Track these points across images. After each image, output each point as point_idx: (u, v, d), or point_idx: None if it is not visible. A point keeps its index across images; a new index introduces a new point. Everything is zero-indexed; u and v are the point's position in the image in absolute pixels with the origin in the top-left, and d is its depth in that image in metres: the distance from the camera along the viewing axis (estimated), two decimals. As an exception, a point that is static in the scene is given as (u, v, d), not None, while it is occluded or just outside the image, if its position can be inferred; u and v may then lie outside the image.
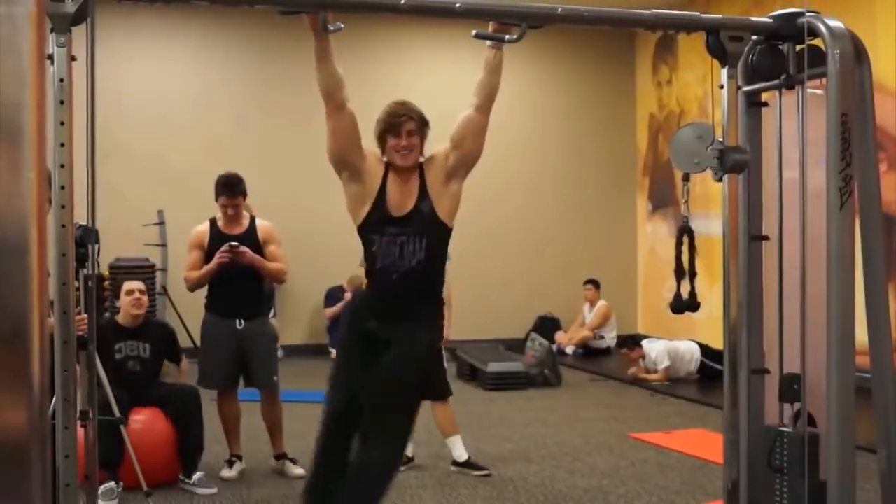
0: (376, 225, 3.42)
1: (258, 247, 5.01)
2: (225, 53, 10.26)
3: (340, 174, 3.48)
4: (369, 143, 3.52)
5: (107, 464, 4.35)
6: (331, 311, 9.68)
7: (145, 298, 5.07)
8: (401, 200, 3.45)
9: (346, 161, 3.43)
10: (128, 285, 5.06)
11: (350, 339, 3.59)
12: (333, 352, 9.86)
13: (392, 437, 3.46)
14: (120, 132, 9.14)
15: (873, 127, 2.99)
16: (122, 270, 8.31)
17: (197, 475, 4.81)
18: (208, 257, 4.97)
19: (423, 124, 3.51)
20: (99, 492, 4.05)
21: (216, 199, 5.02)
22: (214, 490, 4.76)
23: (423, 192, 3.44)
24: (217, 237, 5.00)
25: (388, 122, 3.47)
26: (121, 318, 5.05)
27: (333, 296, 10.04)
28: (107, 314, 5.34)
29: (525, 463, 5.40)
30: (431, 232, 3.45)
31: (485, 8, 3.04)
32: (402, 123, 3.45)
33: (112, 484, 4.52)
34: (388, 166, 3.48)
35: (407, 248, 3.40)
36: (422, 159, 3.52)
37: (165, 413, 4.87)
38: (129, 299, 4.99)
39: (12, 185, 1.13)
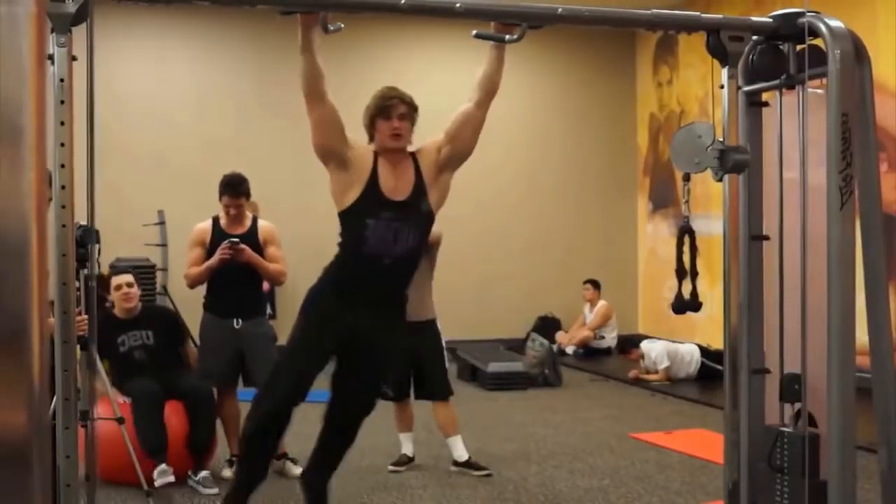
0: (370, 207, 3.39)
1: (258, 247, 5.03)
2: (225, 53, 10.26)
3: (328, 165, 3.48)
4: (361, 139, 3.54)
5: (151, 452, 4.59)
6: None
7: (134, 290, 5.12)
8: (395, 186, 3.43)
9: (332, 151, 3.43)
10: (115, 280, 5.14)
11: (320, 326, 3.52)
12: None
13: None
14: (120, 132, 9.14)
15: (874, 127, 2.99)
16: (122, 271, 8.31)
17: (202, 474, 4.83)
18: (209, 256, 4.99)
19: (412, 109, 3.53)
20: (154, 473, 4.54)
21: (219, 199, 5.05)
22: (216, 491, 4.76)
23: (420, 182, 3.45)
24: (219, 236, 5.02)
25: (380, 105, 3.48)
26: (117, 312, 5.12)
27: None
28: (108, 304, 5.40)
29: (525, 463, 5.40)
30: (423, 221, 3.46)
31: (485, 8, 3.04)
32: (394, 106, 3.47)
33: (163, 466, 4.62)
34: (377, 154, 3.48)
35: (401, 234, 3.39)
36: (412, 148, 3.53)
37: (185, 407, 4.94)
38: (119, 294, 5.09)
39: (12, 184, 1.13)
